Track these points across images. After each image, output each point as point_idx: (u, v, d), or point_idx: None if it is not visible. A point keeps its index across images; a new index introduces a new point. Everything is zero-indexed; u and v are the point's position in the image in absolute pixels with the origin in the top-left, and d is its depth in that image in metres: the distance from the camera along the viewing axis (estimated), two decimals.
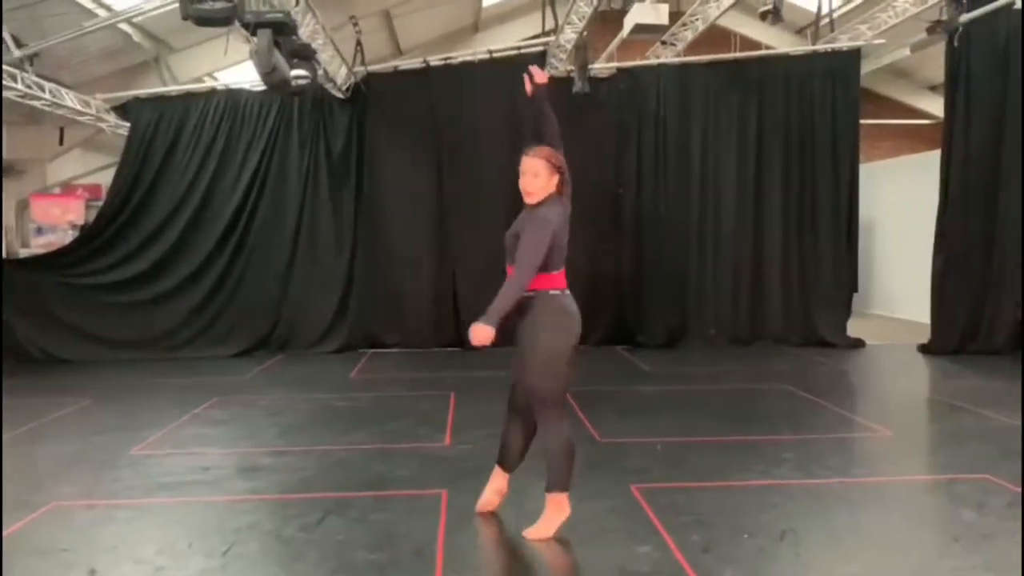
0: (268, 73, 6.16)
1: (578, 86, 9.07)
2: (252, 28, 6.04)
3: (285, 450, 5.62)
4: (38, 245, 10.58)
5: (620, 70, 10.56)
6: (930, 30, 8.98)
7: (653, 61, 10.61)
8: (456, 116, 10.32)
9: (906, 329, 10.08)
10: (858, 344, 10.39)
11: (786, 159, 10.50)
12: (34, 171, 11.14)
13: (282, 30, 6.21)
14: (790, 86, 10.50)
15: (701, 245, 10.53)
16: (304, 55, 7.06)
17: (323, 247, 10.31)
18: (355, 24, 10.78)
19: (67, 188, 11.50)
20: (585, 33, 9.14)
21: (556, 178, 4.01)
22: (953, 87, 9.60)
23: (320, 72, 7.77)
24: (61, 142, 11.08)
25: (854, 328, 10.70)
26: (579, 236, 9.66)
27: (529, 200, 3.97)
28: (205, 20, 5.90)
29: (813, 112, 10.48)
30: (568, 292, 3.94)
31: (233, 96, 10.25)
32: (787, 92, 10.50)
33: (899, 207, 13.04)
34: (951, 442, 5.77)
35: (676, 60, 10.48)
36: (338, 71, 9.31)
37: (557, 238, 3.83)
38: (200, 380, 8.28)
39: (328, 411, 6.86)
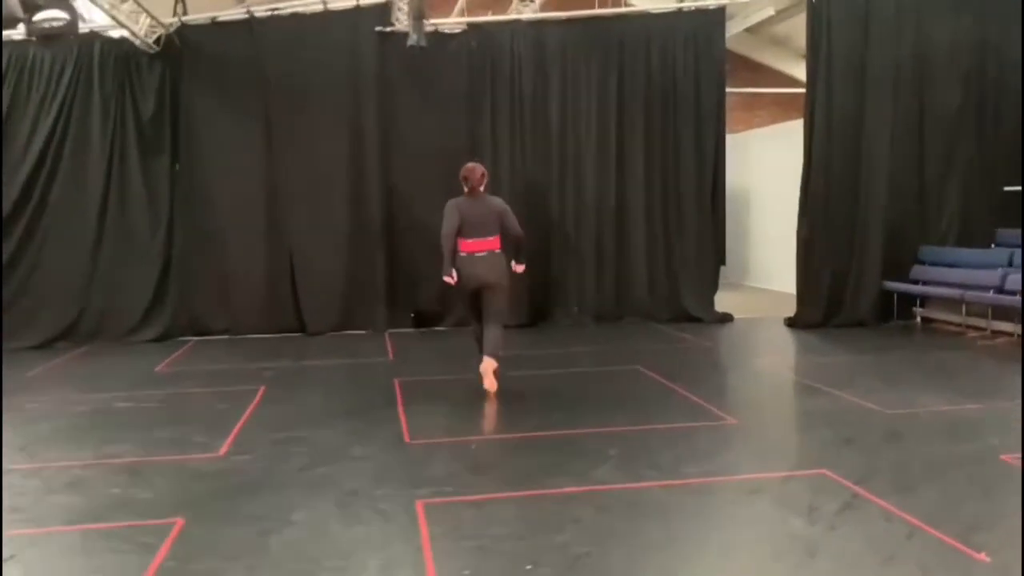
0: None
1: (413, 39, 8.13)
2: None
3: (15, 468, 4.54)
4: None
5: (470, 26, 9.65)
6: None
7: (505, 17, 9.74)
8: (287, 75, 9.19)
9: (779, 302, 9.67)
10: (726, 319, 9.92)
11: (648, 124, 9.87)
12: None
13: None
14: (652, 46, 9.84)
15: (561, 216, 9.82)
16: None
17: (135, 223, 9.06)
18: None
19: None
20: None
21: (487, 178, 6.22)
22: (815, 50, 9.16)
23: (82, 14, 6.54)
24: None
25: (724, 302, 10.25)
26: (429, 205, 8.92)
27: (476, 192, 6.09)
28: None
29: (676, 74, 9.85)
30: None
31: (18, 50, 8.81)
32: (648, 53, 9.83)
33: (773, 176, 12.70)
34: (797, 430, 5.24)
35: (531, 16, 9.64)
36: (139, 20, 8.06)
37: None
38: None
39: (100, 415, 5.77)
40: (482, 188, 6.09)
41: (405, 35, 8.86)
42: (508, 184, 9.58)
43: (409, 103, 9.48)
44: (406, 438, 5.02)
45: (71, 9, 6.03)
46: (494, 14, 9.80)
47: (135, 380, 7.00)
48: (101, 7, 7.12)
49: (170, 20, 8.90)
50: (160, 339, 9.00)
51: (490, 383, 5.95)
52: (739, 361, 7.90)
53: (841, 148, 9.13)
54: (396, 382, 6.66)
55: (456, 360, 7.49)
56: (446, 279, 5.97)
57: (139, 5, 7.90)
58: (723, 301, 10.31)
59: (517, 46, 9.62)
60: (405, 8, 9.02)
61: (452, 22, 9.76)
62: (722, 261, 10.36)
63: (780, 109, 16.81)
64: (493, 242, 6.03)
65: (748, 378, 7.04)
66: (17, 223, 8.76)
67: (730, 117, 17.84)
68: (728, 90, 16.95)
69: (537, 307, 9.73)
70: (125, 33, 8.60)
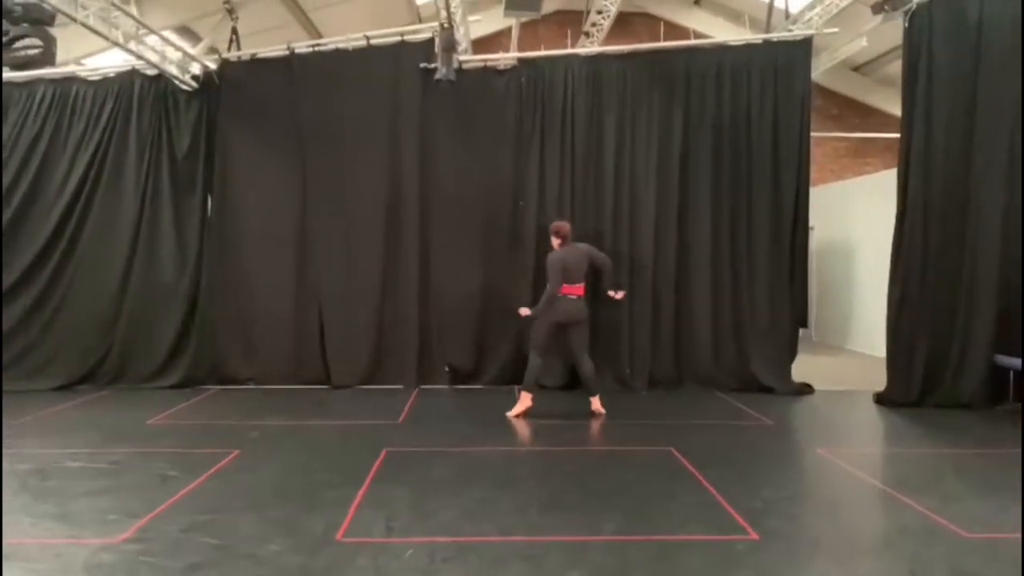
0: None
1: (442, 72, 7.45)
2: None
3: None
4: None
5: (521, 61, 8.93)
6: (875, 8, 7.25)
7: (560, 52, 8.95)
8: (325, 114, 8.73)
9: (877, 370, 8.16)
10: (803, 391, 8.58)
11: (716, 170, 8.75)
12: None
13: None
14: (723, 82, 8.77)
15: (614, 268, 8.76)
16: (33, 19, 5.54)
17: (163, 264, 8.76)
18: (228, 8, 9.37)
19: None
20: (453, 8, 7.52)
21: (556, 239, 7.36)
22: (911, 78, 7.84)
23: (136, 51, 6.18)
24: None
25: (811, 369, 8.94)
26: (472, 255, 8.15)
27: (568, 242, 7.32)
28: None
29: (751, 114, 8.73)
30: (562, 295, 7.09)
31: (62, 87, 8.79)
32: (719, 89, 8.77)
33: (883, 228, 11.23)
34: (831, 557, 4.01)
35: (587, 50, 8.81)
36: (176, 56, 7.81)
37: (552, 265, 7.19)
38: None
39: (35, 477, 5.18)
40: None
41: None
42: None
43: (452, 144, 8.81)
44: (340, 533, 4.18)
45: (47, 37, 5.73)
46: (540, 44, 9.01)
47: (114, 434, 6.51)
48: (143, 55, 6.82)
49: (212, 56, 8.67)
50: (180, 386, 8.59)
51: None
52: (799, 447, 6.60)
53: (944, 193, 7.72)
54: (384, 453, 5.85)
55: (473, 427, 6.71)
56: (522, 311, 7.39)
57: (184, 52, 7.61)
58: (810, 368, 8.98)
59: (571, 82, 8.80)
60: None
61: (502, 57, 9.06)
62: (803, 323, 9.04)
63: (893, 155, 15.19)
64: (583, 288, 7.26)
65: (801, 472, 5.78)
66: (47, 263, 8.63)
67: (837, 164, 16.47)
68: (834, 135, 15.69)
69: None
70: (168, 70, 8.43)
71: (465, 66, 8.85)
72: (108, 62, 9.63)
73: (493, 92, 8.82)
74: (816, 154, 15.89)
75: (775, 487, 5.13)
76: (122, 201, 8.71)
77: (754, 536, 4.21)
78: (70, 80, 8.87)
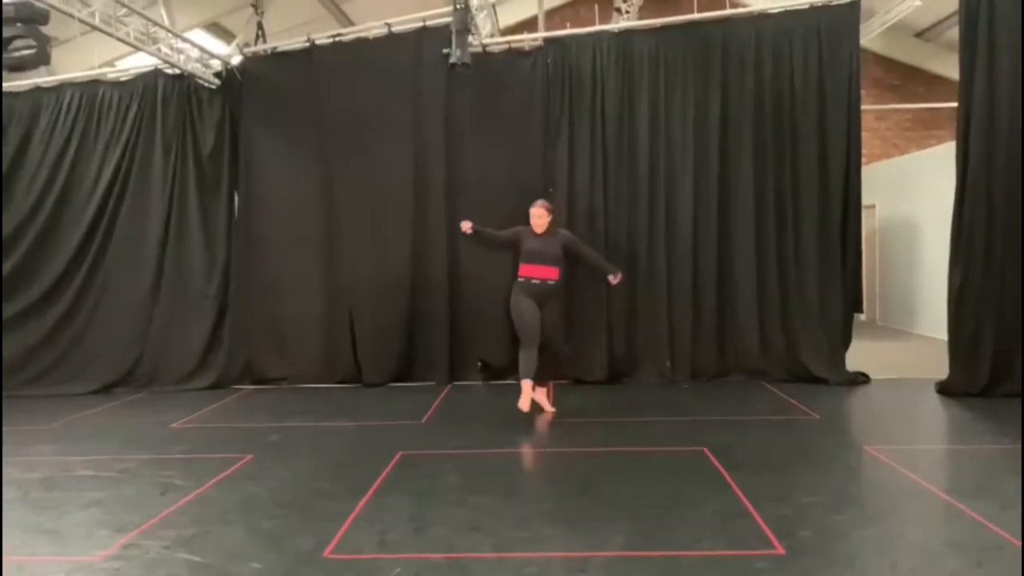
0: None
1: (456, 55, 7.10)
2: None
3: None
4: None
5: (547, 41, 8.53)
6: None
7: (587, 29, 8.52)
8: (347, 106, 8.49)
9: (944, 356, 7.50)
10: (858, 380, 8.01)
11: (758, 149, 8.19)
12: None
13: None
14: (763, 54, 8.20)
15: (651, 255, 8.36)
16: (25, 18, 5.44)
17: (192, 265, 8.69)
18: (254, 3, 9.27)
19: None
20: None
21: (551, 216, 7.03)
22: (969, 39, 7.16)
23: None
24: None
25: (872, 356, 8.38)
26: (502, 246, 7.84)
27: (541, 231, 7.01)
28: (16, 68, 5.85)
29: (794, 87, 8.15)
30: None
31: (88, 90, 8.80)
32: (760, 62, 8.20)
33: (950, 204, 10.49)
34: (869, 574, 3.57)
35: (616, 26, 8.36)
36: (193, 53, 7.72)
37: None
38: None
39: (39, 486, 5.09)
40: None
41: (473, 57, 7.92)
42: (586, 218, 8.34)
43: (478, 131, 8.48)
44: (328, 549, 3.93)
45: (41, 38, 5.63)
46: (573, 27, 8.59)
47: (134, 439, 6.45)
48: (160, 55, 6.76)
49: (234, 53, 8.55)
50: (215, 387, 8.54)
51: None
52: (846, 445, 6.07)
53: (1008, 168, 7.04)
54: (398, 456, 5.61)
55: (495, 427, 6.50)
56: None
57: (202, 49, 7.51)
58: (870, 355, 8.44)
59: (600, 60, 8.36)
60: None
61: (527, 38, 8.68)
62: (857, 309, 8.45)
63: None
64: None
65: (843, 474, 5.27)
66: (80, 266, 8.67)
67: (902, 138, 15.52)
68: (896, 106, 14.77)
69: (619, 360, 8.34)
70: (190, 68, 8.35)
71: (490, 49, 8.53)
72: (137, 63, 9.61)
73: (519, 75, 8.46)
74: (878, 128, 15.11)
75: (812, 491, 4.67)
76: (150, 202, 8.68)
77: (779, 551, 3.79)
78: (96, 83, 8.87)
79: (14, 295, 8.62)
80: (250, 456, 5.75)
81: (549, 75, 8.42)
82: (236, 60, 8.84)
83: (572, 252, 7.14)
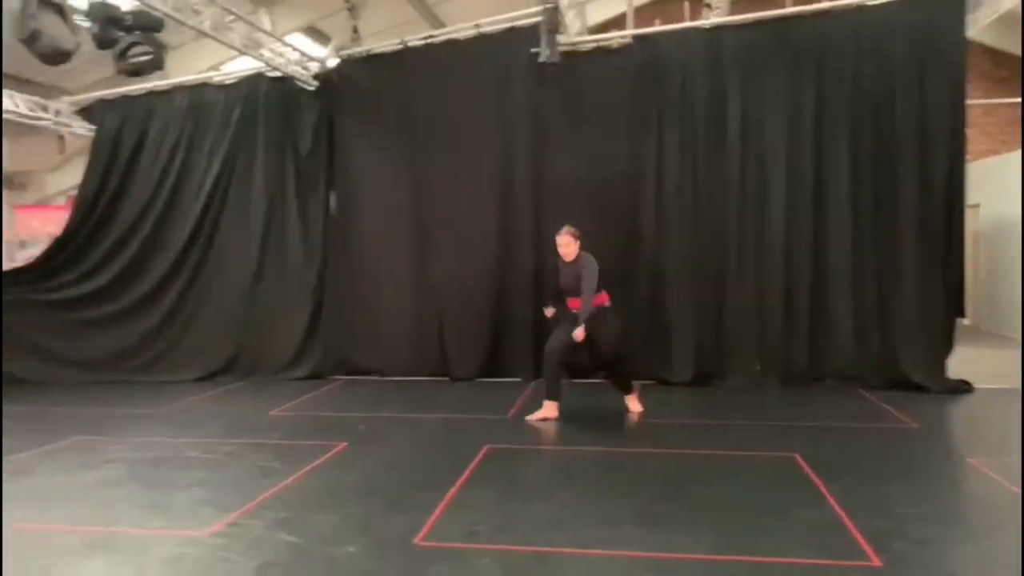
0: (28, 40, 4.90)
1: (545, 54, 7.15)
2: None
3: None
4: (21, 259, 10.08)
5: (635, 39, 8.49)
6: None
7: (677, 26, 8.44)
8: (437, 106, 8.68)
9: None
10: (960, 388, 7.70)
11: (855, 146, 7.95)
12: (34, 183, 10.74)
13: None
14: (862, 48, 7.95)
15: (740, 255, 8.22)
16: (142, 26, 5.78)
17: (291, 260, 9.07)
18: (349, 7, 9.58)
19: (69, 199, 11.06)
20: None
21: (578, 243, 6.57)
22: None
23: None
24: (61, 151, 10.61)
25: (976, 364, 7.97)
26: (586, 244, 7.92)
27: (569, 259, 6.57)
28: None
29: (894, 83, 7.86)
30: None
31: (196, 94, 9.26)
32: (858, 57, 7.95)
33: None
34: None
35: (707, 22, 8.25)
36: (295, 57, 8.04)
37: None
38: (93, 412, 7.31)
39: (150, 467, 5.40)
40: None
41: (561, 55, 7.98)
42: (676, 219, 8.27)
43: (564, 130, 8.52)
44: (419, 536, 4.05)
45: (156, 43, 5.97)
46: (663, 23, 8.52)
47: (235, 425, 6.77)
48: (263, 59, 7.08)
49: (330, 56, 8.85)
50: (310, 377, 8.87)
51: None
52: (946, 456, 5.82)
53: None
54: (484, 449, 5.71)
55: (579, 424, 6.51)
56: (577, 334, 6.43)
57: (302, 52, 7.83)
58: (974, 362, 8.08)
59: (690, 57, 8.28)
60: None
61: (615, 36, 8.66)
62: (960, 313, 8.09)
63: None
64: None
65: (943, 486, 5.07)
66: (187, 261, 9.13)
67: (1009, 133, 14.71)
68: (1004, 101, 14.02)
69: (706, 362, 8.23)
70: (291, 71, 8.69)
71: (578, 48, 8.55)
72: (240, 67, 10.04)
73: (607, 73, 8.45)
74: (984, 123, 14.37)
75: (910, 504, 4.52)
76: (252, 201, 9.08)
77: (876, 562, 3.69)
78: (204, 86, 9.32)
79: (127, 288, 9.15)
80: (344, 444, 5.96)
81: (637, 73, 8.38)
82: (332, 63, 9.13)
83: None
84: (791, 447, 5.70)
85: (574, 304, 6.52)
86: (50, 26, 4.91)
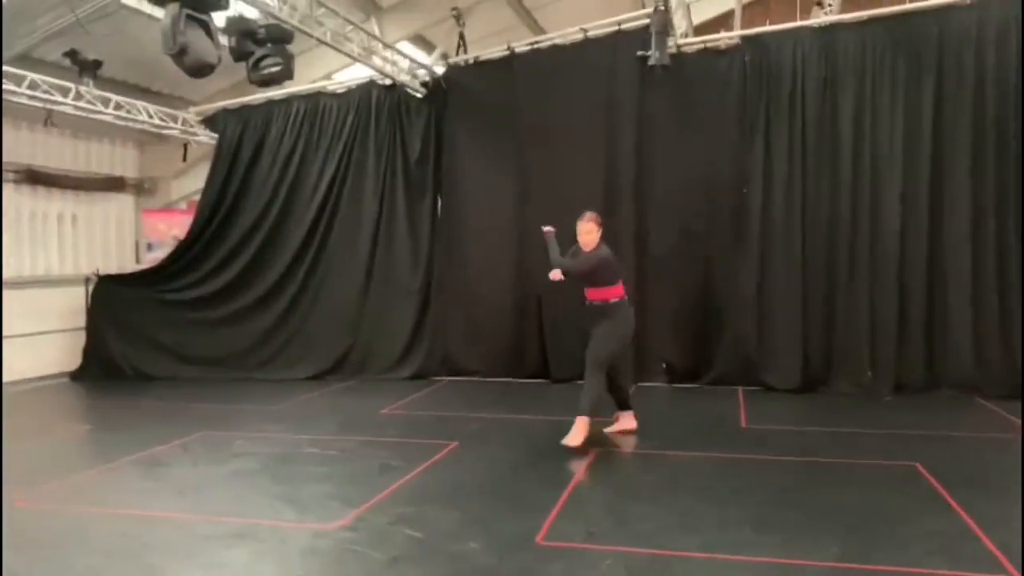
0: (177, 55, 5.23)
1: (655, 57, 7.14)
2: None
3: (132, 514, 4.61)
4: (148, 262, 10.73)
5: (744, 39, 8.38)
6: None
7: (787, 25, 8.28)
8: (542, 111, 8.80)
9: None
10: None
11: (977, 147, 7.64)
12: (160, 188, 11.42)
13: (202, 4, 5.25)
14: (984, 43, 7.63)
15: (852, 260, 8.01)
16: (275, 38, 6.08)
17: (399, 263, 9.36)
18: (456, 16, 9.79)
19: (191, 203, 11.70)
20: None
21: (600, 230, 6.11)
22: None
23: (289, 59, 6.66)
24: (185, 158, 11.22)
25: None
26: (692, 247, 7.85)
27: (589, 248, 6.06)
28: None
29: (1019, 78, 7.51)
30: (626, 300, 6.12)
31: (311, 102, 9.66)
32: (980, 52, 7.64)
33: None
34: None
35: (818, 20, 8.07)
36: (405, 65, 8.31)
37: (611, 264, 6.01)
38: (217, 408, 7.72)
39: (274, 462, 5.67)
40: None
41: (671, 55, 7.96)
42: (784, 223, 8.13)
43: (671, 133, 8.49)
44: (540, 536, 4.15)
45: (286, 55, 6.27)
46: (771, 22, 8.38)
47: (350, 423, 7.04)
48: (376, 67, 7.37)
49: (440, 63, 9.09)
50: (416, 377, 9.12)
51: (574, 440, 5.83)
52: None
53: None
54: (592, 454, 5.77)
55: (686, 429, 6.49)
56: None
57: (412, 60, 8.10)
58: None
59: (800, 57, 8.11)
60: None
61: (723, 36, 8.57)
62: None
63: None
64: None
65: None
66: (302, 263, 9.53)
67: None
68: None
69: (814, 368, 8.05)
70: (401, 78, 8.98)
71: (684, 49, 8.50)
72: (352, 75, 10.41)
73: (715, 75, 8.39)
74: None
75: None
76: (363, 205, 9.42)
77: (1015, 574, 3.58)
78: (319, 94, 9.72)
79: (245, 290, 9.65)
80: (455, 443, 6.13)
81: (746, 74, 8.28)
82: (440, 70, 9.37)
83: None
84: (911, 456, 5.54)
85: (592, 295, 6.02)
86: (196, 40, 5.26)
